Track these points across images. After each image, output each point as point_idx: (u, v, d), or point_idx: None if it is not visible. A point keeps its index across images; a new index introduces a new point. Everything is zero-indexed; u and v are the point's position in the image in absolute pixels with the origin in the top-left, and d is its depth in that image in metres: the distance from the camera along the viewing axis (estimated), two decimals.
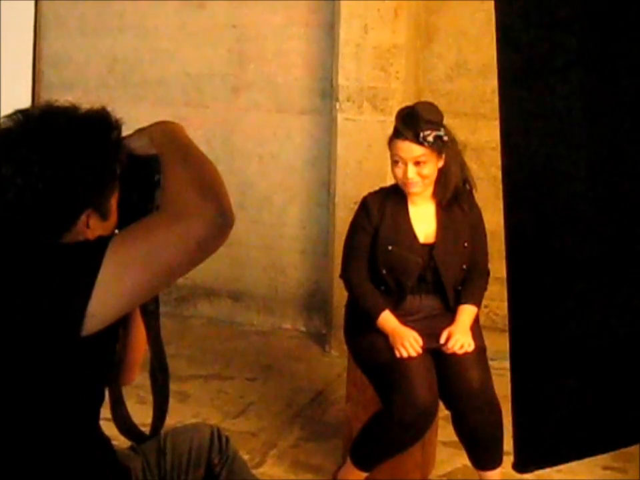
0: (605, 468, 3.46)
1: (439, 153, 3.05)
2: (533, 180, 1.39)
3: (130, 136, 1.79)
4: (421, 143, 3.01)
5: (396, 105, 4.22)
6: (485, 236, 3.26)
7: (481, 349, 3.12)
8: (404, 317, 3.12)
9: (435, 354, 3.10)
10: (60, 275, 1.54)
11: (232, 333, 4.81)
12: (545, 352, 1.42)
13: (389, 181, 3.88)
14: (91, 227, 1.70)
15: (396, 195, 3.17)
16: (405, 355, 3.02)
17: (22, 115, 1.71)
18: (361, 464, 3.11)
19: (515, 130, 1.37)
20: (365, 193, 3.69)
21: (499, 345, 3.56)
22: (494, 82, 4.52)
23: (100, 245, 1.54)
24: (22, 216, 1.66)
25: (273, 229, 4.73)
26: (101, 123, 1.73)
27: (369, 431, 3.08)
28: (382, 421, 3.03)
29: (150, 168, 1.80)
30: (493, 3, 4.02)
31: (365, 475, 3.13)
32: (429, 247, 3.15)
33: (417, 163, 3.05)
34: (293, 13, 4.52)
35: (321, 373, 4.36)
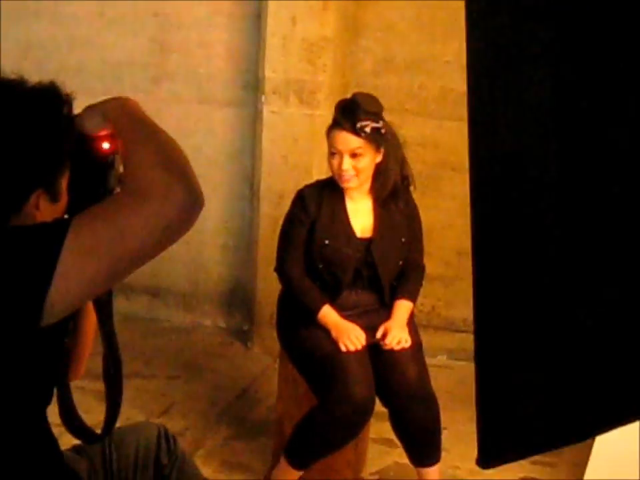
0: (534, 462, 3.48)
1: (377, 147, 3.01)
2: (500, 170, 1.35)
3: (81, 113, 1.68)
4: (358, 134, 2.96)
5: (323, 99, 4.17)
6: (421, 232, 3.24)
7: (417, 344, 3.10)
8: (340, 312, 3.08)
9: (371, 349, 3.06)
10: (17, 261, 1.43)
11: (150, 330, 4.67)
12: (510, 346, 1.39)
13: (315, 176, 3.83)
14: (40, 209, 1.59)
15: (333, 189, 3.11)
16: (351, 348, 2.97)
17: None
18: (297, 462, 3.05)
19: (483, 119, 1.33)
20: (289, 187, 3.61)
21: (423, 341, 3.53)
22: (421, 78, 4.53)
23: (59, 228, 1.42)
24: None
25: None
26: (50, 97, 1.62)
27: (304, 428, 3.02)
28: (318, 417, 2.97)
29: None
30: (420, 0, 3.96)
31: (299, 473, 3.07)
32: (366, 242, 3.11)
33: (354, 155, 3.00)
34: (217, 3, 4.42)
35: (244, 370, 4.28)
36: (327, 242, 3.07)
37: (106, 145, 1.69)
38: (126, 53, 4.56)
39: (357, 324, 3.05)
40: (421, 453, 3.07)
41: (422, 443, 3.05)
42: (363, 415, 2.95)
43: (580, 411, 1.49)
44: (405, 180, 3.18)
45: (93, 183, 1.69)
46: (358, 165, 3.00)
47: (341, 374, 2.95)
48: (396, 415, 3.04)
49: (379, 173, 3.07)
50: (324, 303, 3.07)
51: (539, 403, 1.44)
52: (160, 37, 4.52)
